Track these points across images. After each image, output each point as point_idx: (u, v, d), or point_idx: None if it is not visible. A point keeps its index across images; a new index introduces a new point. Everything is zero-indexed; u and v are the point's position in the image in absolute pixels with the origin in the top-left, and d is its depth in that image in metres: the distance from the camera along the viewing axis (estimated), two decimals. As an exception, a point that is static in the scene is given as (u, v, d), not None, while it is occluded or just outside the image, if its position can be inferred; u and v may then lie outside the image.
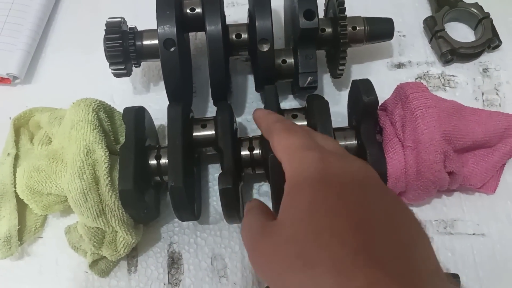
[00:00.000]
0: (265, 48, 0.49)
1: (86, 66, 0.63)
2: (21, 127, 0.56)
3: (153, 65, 0.63)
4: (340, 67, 0.53)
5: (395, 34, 0.62)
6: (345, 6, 0.51)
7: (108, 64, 0.53)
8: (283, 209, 0.31)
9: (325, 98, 0.49)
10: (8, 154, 0.53)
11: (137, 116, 0.49)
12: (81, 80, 0.62)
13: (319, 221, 0.28)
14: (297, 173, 0.32)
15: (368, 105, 0.46)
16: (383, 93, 0.53)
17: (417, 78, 0.60)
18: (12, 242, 0.51)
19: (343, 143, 0.49)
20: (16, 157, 0.53)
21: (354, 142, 0.49)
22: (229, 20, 0.65)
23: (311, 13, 0.49)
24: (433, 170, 0.45)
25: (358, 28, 0.54)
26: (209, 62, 0.49)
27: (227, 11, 0.66)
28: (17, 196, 0.51)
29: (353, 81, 0.50)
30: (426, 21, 0.62)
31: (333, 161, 0.32)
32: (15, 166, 0.52)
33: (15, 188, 0.51)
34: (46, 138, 0.54)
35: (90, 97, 0.51)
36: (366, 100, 0.46)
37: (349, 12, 0.62)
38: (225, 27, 0.53)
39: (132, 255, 0.53)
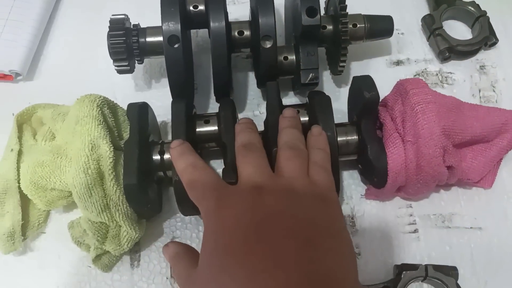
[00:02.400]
0: (268, 45, 0.50)
1: (88, 62, 0.63)
2: (23, 123, 0.56)
3: (155, 62, 0.63)
4: (341, 64, 0.54)
5: (394, 31, 0.63)
6: (346, 3, 0.52)
7: (112, 60, 0.53)
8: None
9: (326, 94, 0.50)
10: (12, 150, 0.53)
11: (140, 112, 0.50)
12: (83, 77, 0.63)
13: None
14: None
15: (369, 101, 0.47)
16: (382, 90, 0.53)
17: (415, 75, 0.61)
18: (16, 237, 0.52)
19: (344, 138, 0.50)
20: (20, 153, 0.53)
21: (355, 137, 0.50)
22: (230, 18, 0.66)
23: (313, 10, 0.49)
24: (433, 165, 0.46)
25: (358, 25, 0.55)
26: (212, 60, 0.49)
27: (228, 9, 0.67)
28: (20, 192, 0.52)
29: (354, 77, 0.51)
30: (424, 19, 0.63)
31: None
32: (18, 161, 0.53)
33: (19, 183, 0.51)
34: (50, 134, 0.54)
35: (93, 93, 0.52)
36: (368, 96, 0.47)
37: (349, 10, 0.63)
38: (228, 25, 0.53)
39: (135, 250, 0.54)
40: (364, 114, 0.49)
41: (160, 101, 0.60)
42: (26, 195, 0.51)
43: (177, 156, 0.45)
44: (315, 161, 0.43)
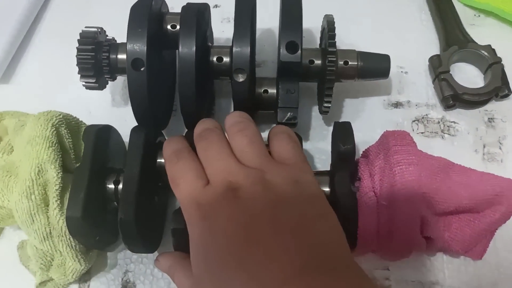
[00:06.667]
0: (241, 78, 0.45)
1: (67, 73, 0.59)
2: (-12, 130, 0.53)
3: (135, 78, 0.60)
4: (325, 104, 0.49)
5: (397, 70, 0.58)
6: (335, 40, 0.47)
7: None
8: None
9: (309, 133, 0.51)
10: (-32, 159, 0.50)
11: (98, 136, 0.46)
12: (60, 87, 0.60)
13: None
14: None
15: (343, 154, 0.42)
16: (375, 133, 0.48)
17: (414, 121, 0.55)
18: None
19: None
20: (-23, 163, 0.50)
21: (327, 189, 0.44)
22: (222, 36, 0.62)
23: (294, 46, 0.44)
24: (407, 234, 0.41)
25: (350, 63, 0.49)
26: (178, 87, 0.45)
27: (221, 27, 0.63)
28: (-29, 206, 0.49)
29: (335, 123, 0.46)
30: (431, 60, 0.57)
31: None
32: (-27, 172, 0.50)
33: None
34: (9, 147, 0.51)
35: (63, 107, 0.49)
36: (341, 149, 0.42)
37: (350, 42, 0.58)
38: (206, 49, 0.49)
39: (85, 279, 0.50)
40: (338, 166, 0.43)
41: (136, 120, 0.57)
42: (-24, 210, 0.48)
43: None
44: (275, 132, 0.43)
